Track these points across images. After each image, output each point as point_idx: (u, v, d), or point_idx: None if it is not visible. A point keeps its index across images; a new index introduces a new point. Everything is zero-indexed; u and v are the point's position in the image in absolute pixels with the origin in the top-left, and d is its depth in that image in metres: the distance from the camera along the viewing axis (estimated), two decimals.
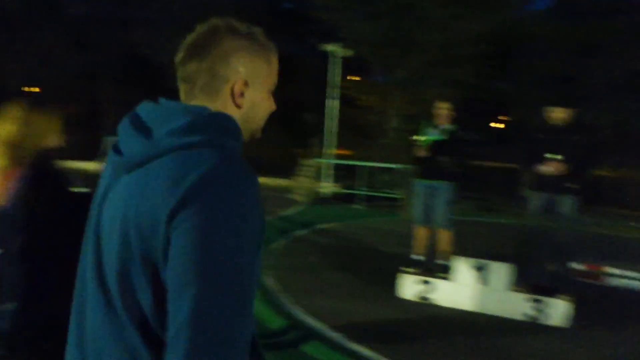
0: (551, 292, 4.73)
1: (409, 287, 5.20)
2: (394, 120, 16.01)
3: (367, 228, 9.52)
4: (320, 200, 12.61)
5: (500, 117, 26.57)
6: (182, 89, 1.08)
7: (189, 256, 0.86)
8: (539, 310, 4.70)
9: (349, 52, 13.76)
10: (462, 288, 4.97)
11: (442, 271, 5.30)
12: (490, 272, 4.86)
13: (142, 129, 0.99)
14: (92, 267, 1.01)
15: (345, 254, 7.17)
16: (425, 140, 5.36)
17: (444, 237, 5.46)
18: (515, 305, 4.78)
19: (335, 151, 16.72)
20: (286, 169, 14.56)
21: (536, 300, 4.71)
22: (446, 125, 5.38)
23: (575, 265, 6.18)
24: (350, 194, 13.17)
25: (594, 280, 6.48)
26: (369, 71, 26.12)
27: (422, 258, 5.55)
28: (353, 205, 12.40)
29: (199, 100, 1.05)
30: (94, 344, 0.98)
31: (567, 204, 4.83)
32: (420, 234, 5.60)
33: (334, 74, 14.23)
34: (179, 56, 1.07)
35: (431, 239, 5.58)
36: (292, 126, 22.25)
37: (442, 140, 5.30)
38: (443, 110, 5.38)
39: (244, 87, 1.07)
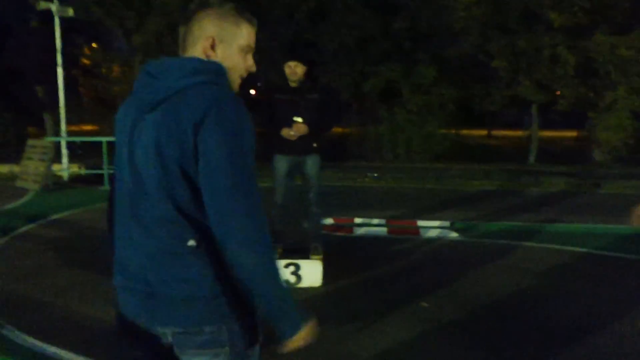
0: (304, 253, 4.69)
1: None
2: None
3: None
4: (56, 185, 10.95)
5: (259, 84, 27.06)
6: (180, 47, 1.48)
7: (215, 154, 1.30)
8: (294, 274, 4.62)
9: (70, 12, 11.93)
10: None
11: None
12: None
13: (156, 77, 1.39)
14: (131, 184, 1.42)
15: (81, 247, 6.12)
16: None
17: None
18: None
19: (74, 128, 14.74)
20: (14, 154, 12.35)
21: (290, 265, 4.61)
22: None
23: (326, 221, 6.37)
24: (97, 174, 11.78)
25: (345, 232, 6.83)
26: (110, 37, 23.82)
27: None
28: (102, 187, 11.10)
29: (186, 52, 1.46)
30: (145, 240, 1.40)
31: (312, 164, 4.81)
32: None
33: (59, 38, 12.29)
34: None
35: None
36: (19, 101, 19.03)
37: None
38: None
39: (212, 42, 1.45)
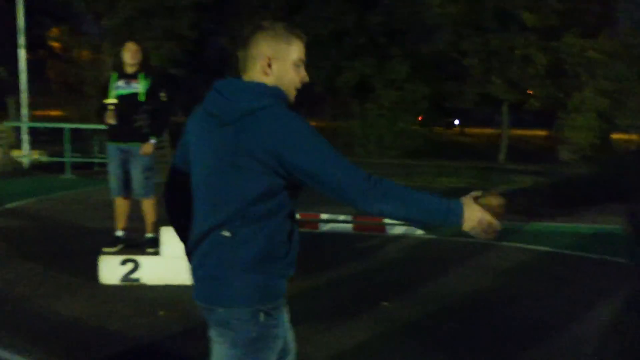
0: None
1: (111, 270, 4.45)
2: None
3: (74, 201, 8.23)
4: (15, 172, 10.56)
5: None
6: (240, 69, 1.69)
7: (310, 165, 1.54)
8: None
9: None
10: (171, 262, 4.43)
11: (151, 246, 4.68)
12: None
13: (227, 97, 1.61)
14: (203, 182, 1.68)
15: (34, 238, 5.89)
16: (114, 99, 4.55)
17: (147, 207, 4.81)
18: None
19: (41, 112, 14.27)
20: None
21: None
22: (140, 78, 4.63)
23: None
24: (59, 162, 11.41)
25: (310, 228, 6.71)
26: (79, 20, 23.08)
27: (121, 234, 4.81)
28: (62, 176, 10.75)
29: (247, 73, 1.67)
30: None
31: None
32: (119, 205, 4.83)
33: (21, 18, 11.83)
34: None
35: (139, 211, 4.89)
36: None
37: (132, 96, 4.56)
38: (129, 52, 4.59)
39: (269, 61, 1.65)
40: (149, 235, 4.82)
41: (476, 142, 29.43)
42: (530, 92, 20.09)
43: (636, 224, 1.90)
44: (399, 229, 6.84)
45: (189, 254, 1.75)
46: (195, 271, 1.70)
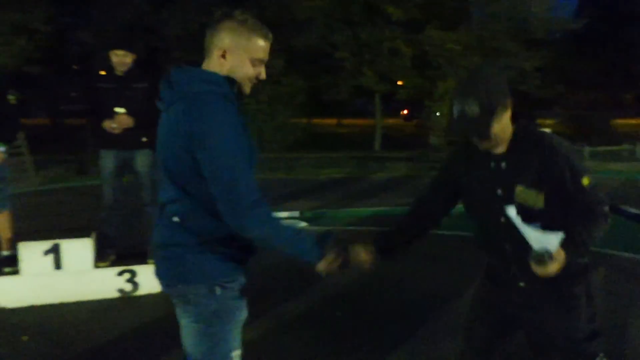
0: (141, 258, 4.26)
1: None
2: None
3: None
4: None
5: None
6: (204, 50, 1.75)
7: (211, 159, 1.58)
8: (130, 281, 4.18)
9: None
10: (33, 280, 3.99)
11: (8, 264, 4.17)
12: (66, 253, 4.02)
13: (172, 82, 1.69)
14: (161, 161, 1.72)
15: None
16: None
17: (1, 222, 4.29)
18: (104, 284, 4.13)
19: None
20: None
21: (124, 272, 4.16)
22: None
23: None
24: None
25: None
26: None
27: None
28: None
29: (206, 59, 1.73)
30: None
31: (142, 160, 4.37)
32: None
33: None
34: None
35: None
36: None
37: None
38: None
39: (223, 53, 1.70)
40: (4, 253, 4.31)
41: (353, 133, 30.45)
42: (400, 83, 21.17)
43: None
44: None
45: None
46: (156, 250, 1.78)
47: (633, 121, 34.16)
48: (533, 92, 20.52)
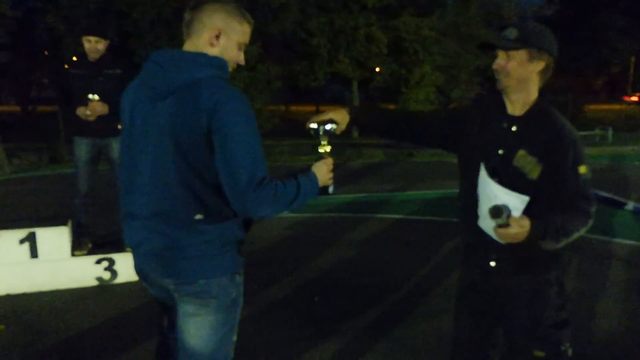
0: (118, 246, 4.23)
1: None
2: None
3: None
4: None
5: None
6: (184, 30, 1.68)
7: (232, 142, 1.54)
8: (109, 269, 4.16)
9: None
10: (8, 269, 3.94)
11: None
12: (42, 242, 3.98)
13: (167, 69, 1.59)
14: (150, 158, 1.64)
15: None
16: None
17: None
18: (81, 272, 4.10)
19: None
20: None
21: (102, 260, 4.14)
22: None
23: None
24: None
25: None
26: None
27: None
28: None
29: (192, 39, 1.66)
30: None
31: (117, 147, 4.32)
32: None
33: None
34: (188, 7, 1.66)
35: None
36: None
37: None
38: None
39: (218, 34, 1.66)
40: None
41: None
42: (377, 70, 21.22)
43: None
44: None
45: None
46: (162, 253, 1.70)
47: (604, 106, 34.90)
48: None
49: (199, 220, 1.63)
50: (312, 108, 42.42)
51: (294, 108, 40.00)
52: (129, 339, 3.26)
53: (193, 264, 1.66)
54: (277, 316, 3.64)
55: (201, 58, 1.62)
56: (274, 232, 5.82)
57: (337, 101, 39.51)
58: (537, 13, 22.91)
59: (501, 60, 1.82)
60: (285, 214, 6.59)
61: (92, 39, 4.17)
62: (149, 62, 1.65)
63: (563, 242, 1.78)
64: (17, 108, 33.81)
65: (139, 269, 1.82)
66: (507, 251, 1.85)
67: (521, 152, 1.82)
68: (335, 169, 1.88)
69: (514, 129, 1.87)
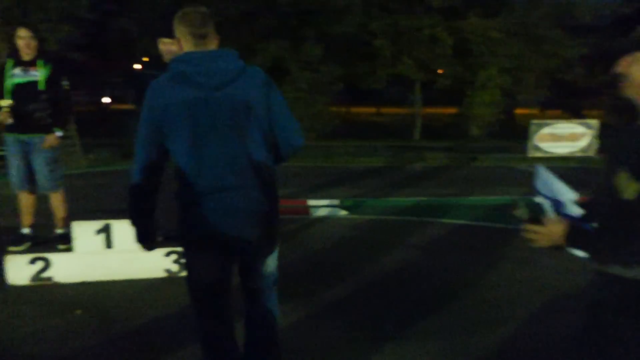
0: None
1: (19, 269, 4.13)
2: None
3: None
4: None
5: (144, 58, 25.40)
6: (201, 40, 2.15)
7: (281, 104, 2.20)
8: (177, 262, 4.34)
9: None
10: (85, 258, 4.19)
11: (63, 242, 4.39)
12: (116, 233, 4.21)
13: (219, 64, 2.10)
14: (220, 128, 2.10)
15: None
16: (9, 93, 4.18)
17: (55, 202, 4.50)
18: (152, 263, 4.29)
19: None
20: None
21: (171, 253, 4.32)
22: (39, 65, 4.28)
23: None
24: None
25: (302, 214, 6.58)
26: None
27: (28, 231, 4.48)
28: None
29: (211, 42, 2.18)
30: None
31: None
32: (24, 201, 4.48)
33: None
34: (195, 24, 2.14)
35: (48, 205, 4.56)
36: None
37: (31, 84, 4.21)
38: (22, 40, 4.21)
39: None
40: (59, 230, 4.52)
41: (392, 122, 30.21)
42: (440, 71, 20.87)
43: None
44: (322, 211, 6.89)
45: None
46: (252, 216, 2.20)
47: None
48: (578, 81, 19.89)
49: (268, 182, 2.18)
50: (373, 110, 42.26)
51: (354, 109, 39.98)
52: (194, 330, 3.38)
53: (277, 215, 2.27)
54: (334, 317, 3.67)
55: (230, 51, 2.16)
56: (334, 233, 5.86)
57: (398, 103, 39.18)
58: (615, 12, 21.71)
59: (623, 78, 1.65)
60: (345, 215, 6.63)
61: (167, 41, 4.35)
62: (186, 64, 2.10)
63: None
64: (92, 106, 35.74)
65: (229, 235, 2.15)
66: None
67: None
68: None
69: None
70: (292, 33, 18.94)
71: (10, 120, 4.18)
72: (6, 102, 4.17)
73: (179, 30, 2.16)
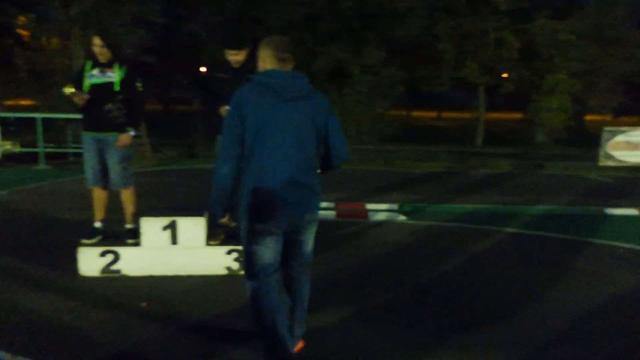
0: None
1: (91, 261, 4.35)
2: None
3: (49, 192, 8.02)
4: None
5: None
6: (282, 62, 2.73)
7: (337, 126, 2.83)
8: (237, 260, 4.44)
9: None
10: (152, 252, 4.36)
11: (131, 236, 4.58)
12: (181, 230, 4.35)
13: (299, 82, 2.70)
14: (292, 138, 2.66)
15: (13, 230, 5.74)
16: (88, 88, 4.42)
17: (126, 198, 4.70)
18: (214, 260, 4.42)
19: (11, 102, 13.98)
20: None
21: (232, 251, 4.42)
22: (115, 67, 4.50)
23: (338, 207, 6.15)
24: (32, 152, 11.14)
25: (361, 218, 6.67)
26: (46, 7, 22.43)
27: (99, 225, 4.71)
28: (36, 166, 10.51)
29: (290, 65, 2.75)
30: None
31: None
32: (97, 196, 4.71)
33: None
34: (278, 49, 2.74)
35: (118, 201, 4.79)
36: None
37: (107, 85, 4.43)
38: (97, 47, 4.44)
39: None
40: (128, 226, 4.73)
41: (453, 127, 29.61)
42: (505, 75, 20.27)
43: None
44: (380, 215, 6.85)
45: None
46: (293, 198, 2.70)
47: None
48: None
49: (316, 176, 2.78)
50: (434, 114, 41.57)
51: (415, 113, 39.49)
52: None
53: (318, 201, 2.84)
54: (392, 323, 3.63)
55: (304, 75, 2.74)
56: (394, 238, 5.81)
57: (460, 107, 38.38)
58: None
59: None
60: (404, 220, 6.56)
61: (232, 52, 4.51)
62: (273, 77, 2.64)
63: None
64: (160, 107, 37.20)
65: (287, 219, 2.71)
66: None
67: None
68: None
69: None
70: (354, 36, 18.96)
71: (86, 98, 4.37)
72: (70, 89, 4.38)
73: (265, 51, 2.71)
